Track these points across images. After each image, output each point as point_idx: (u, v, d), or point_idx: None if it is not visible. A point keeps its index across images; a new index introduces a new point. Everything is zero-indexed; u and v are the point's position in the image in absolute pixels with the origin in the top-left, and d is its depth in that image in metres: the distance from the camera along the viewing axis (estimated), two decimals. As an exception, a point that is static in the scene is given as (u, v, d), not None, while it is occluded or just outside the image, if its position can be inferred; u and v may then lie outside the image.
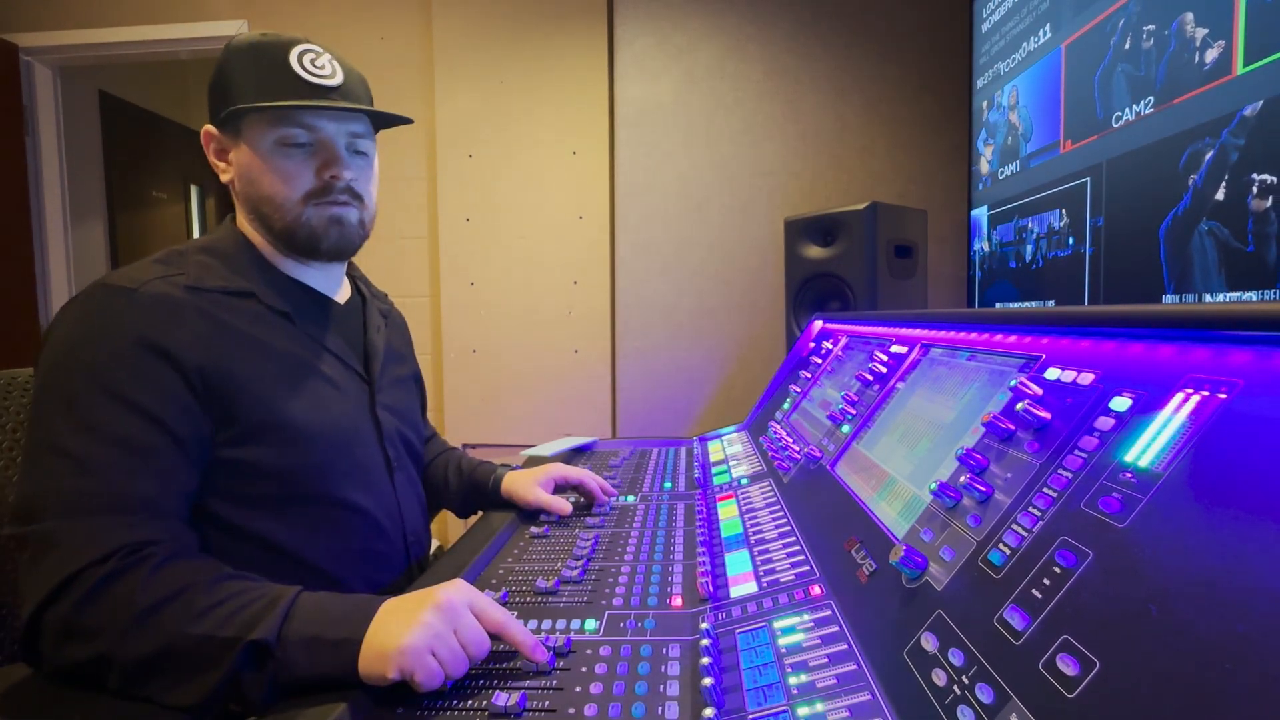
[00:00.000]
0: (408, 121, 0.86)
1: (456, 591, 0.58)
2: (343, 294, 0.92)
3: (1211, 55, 1.10)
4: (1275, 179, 0.99)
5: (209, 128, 0.81)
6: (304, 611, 0.57)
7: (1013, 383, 0.58)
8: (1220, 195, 1.09)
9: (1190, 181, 1.16)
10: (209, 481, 0.71)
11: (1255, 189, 1.02)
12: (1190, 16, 1.14)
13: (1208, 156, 1.12)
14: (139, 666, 0.56)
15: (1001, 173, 1.91)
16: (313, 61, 0.78)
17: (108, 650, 0.56)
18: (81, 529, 0.60)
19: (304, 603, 0.58)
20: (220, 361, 0.71)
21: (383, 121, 0.87)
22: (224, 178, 0.82)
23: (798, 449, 1.03)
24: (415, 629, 0.54)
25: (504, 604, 0.70)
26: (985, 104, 2.03)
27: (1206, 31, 1.11)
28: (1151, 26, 1.25)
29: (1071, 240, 1.53)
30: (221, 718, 0.55)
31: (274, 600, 0.57)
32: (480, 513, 1.11)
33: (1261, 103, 1.00)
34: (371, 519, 0.82)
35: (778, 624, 0.60)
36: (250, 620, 0.55)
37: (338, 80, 0.80)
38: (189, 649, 0.55)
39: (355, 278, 0.99)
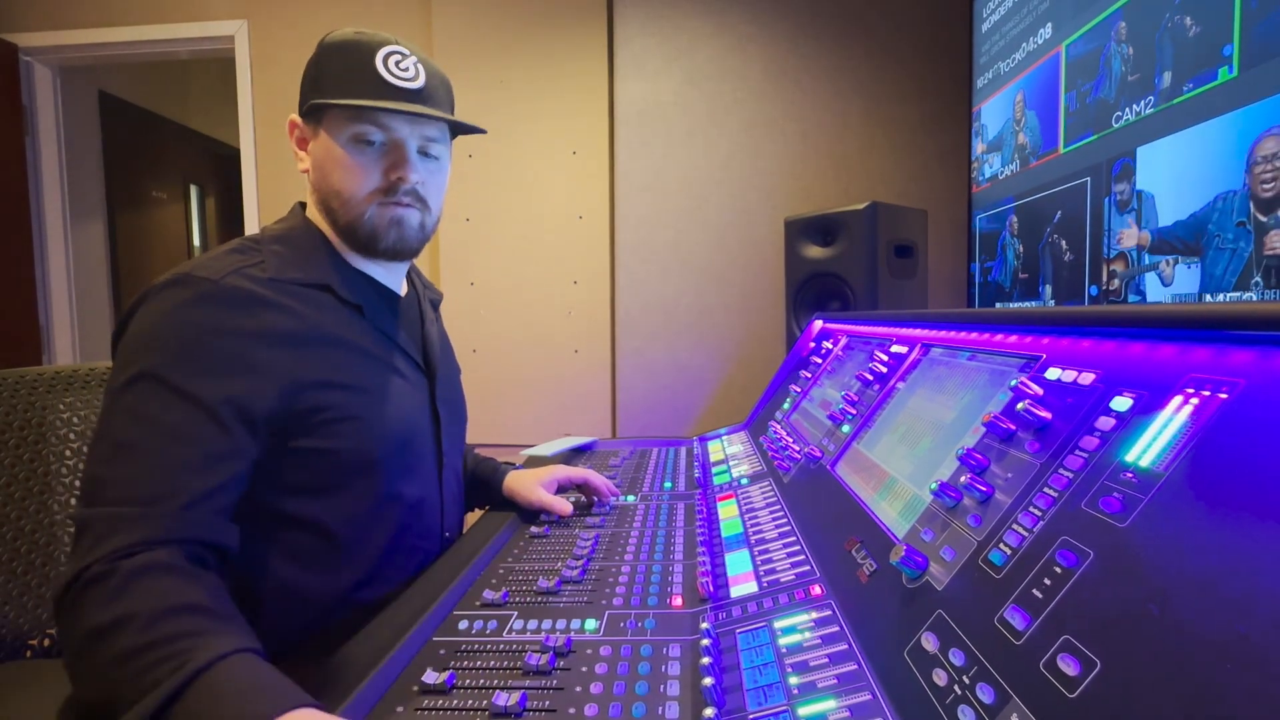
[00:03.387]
0: (481, 131, 0.86)
1: None
2: (403, 288, 0.94)
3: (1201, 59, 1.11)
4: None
5: (294, 117, 0.84)
6: (203, 690, 0.49)
7: (1013, 383, 0.58)
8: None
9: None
10: (265, 467, 0.71)
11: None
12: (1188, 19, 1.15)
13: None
14: (82, 683, 0.55)
15: (1002, 173, 1.91)
16: (397, 64, 0.80)
17: (67, 661, 0.57)
18: (102, 522, 0.60)
19: (212, 679, 0.50)
20: (297, 358, 0.72)
21: (460, 128, 0.88)
22: (301, 167, 0.85)
23: (798, 449, 1.03)
24: None
25: (504, 604, 0.70)
26: (987, 106, 2.02)
27: (1200, 29, 1.12)
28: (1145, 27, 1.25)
29: (1071, 240, 1.53)
30: None
31: (182, 666, 0.50)
32: (477, 509, 1.11)
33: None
34: (417, 512, 0.84)
35: (778, 624, 0.60)
36: (150, 684, 0.49)
37: (419, 84, 0.81)
38: (107, 689, 0.52)
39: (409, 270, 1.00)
